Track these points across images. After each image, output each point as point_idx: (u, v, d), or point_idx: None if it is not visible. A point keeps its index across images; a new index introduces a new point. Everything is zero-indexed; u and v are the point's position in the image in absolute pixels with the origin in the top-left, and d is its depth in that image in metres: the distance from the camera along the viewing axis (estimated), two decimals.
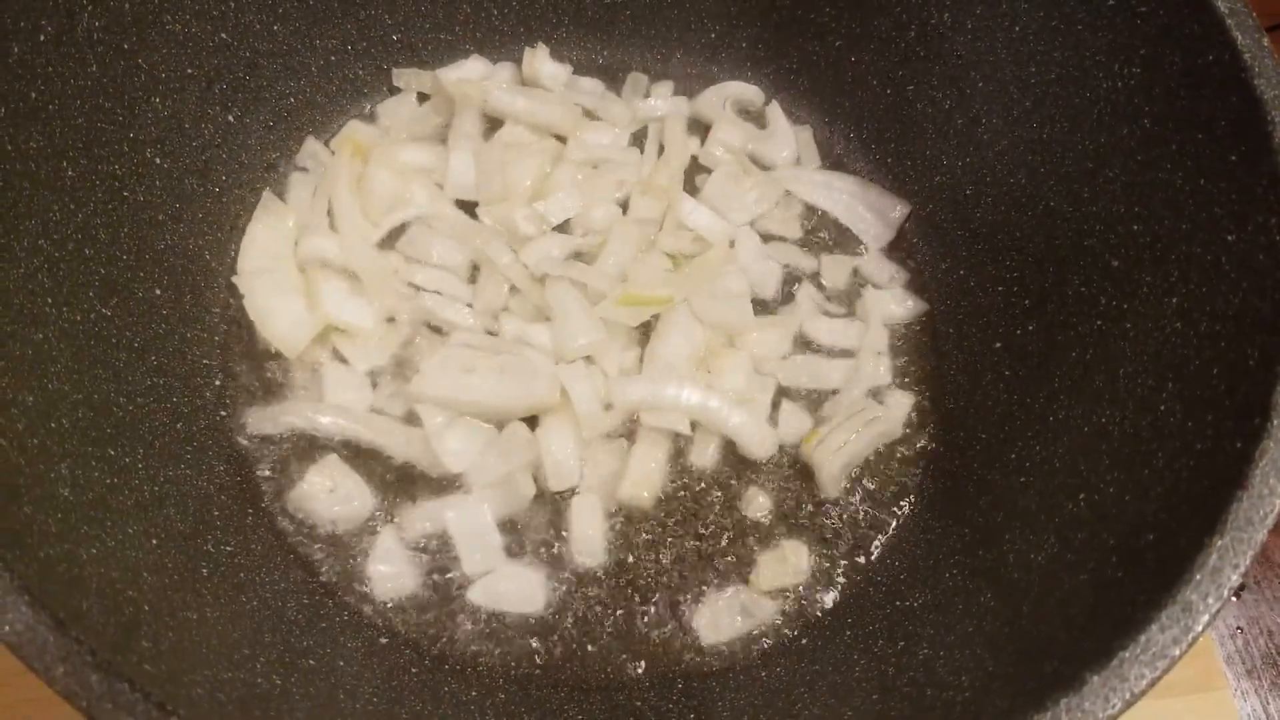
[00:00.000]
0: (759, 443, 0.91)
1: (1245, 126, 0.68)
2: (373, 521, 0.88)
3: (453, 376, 0.89)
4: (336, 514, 0.87)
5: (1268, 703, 0.96)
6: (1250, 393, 0.62)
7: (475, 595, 0.85)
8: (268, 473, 0.88)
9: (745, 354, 0.95)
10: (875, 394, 0.97)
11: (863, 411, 0.93)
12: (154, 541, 0.70)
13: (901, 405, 0.97)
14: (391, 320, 0.95)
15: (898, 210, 1.05)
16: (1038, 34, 0.87)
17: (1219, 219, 0.70)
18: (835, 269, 1.03)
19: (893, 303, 1.01)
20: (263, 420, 0.90)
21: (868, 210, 1.05)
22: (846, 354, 0.99)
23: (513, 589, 0.86)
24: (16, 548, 0.55)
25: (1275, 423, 0.59)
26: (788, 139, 1.09)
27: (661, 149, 1.06)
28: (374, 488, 0.89)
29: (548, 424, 0.89)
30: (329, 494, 0.88)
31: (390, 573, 0.85)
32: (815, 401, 0.96)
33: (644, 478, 0.89)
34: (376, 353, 0.93)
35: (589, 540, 0.87)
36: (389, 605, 0.84)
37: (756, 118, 1.11)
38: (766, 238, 1.03)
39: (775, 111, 1.10)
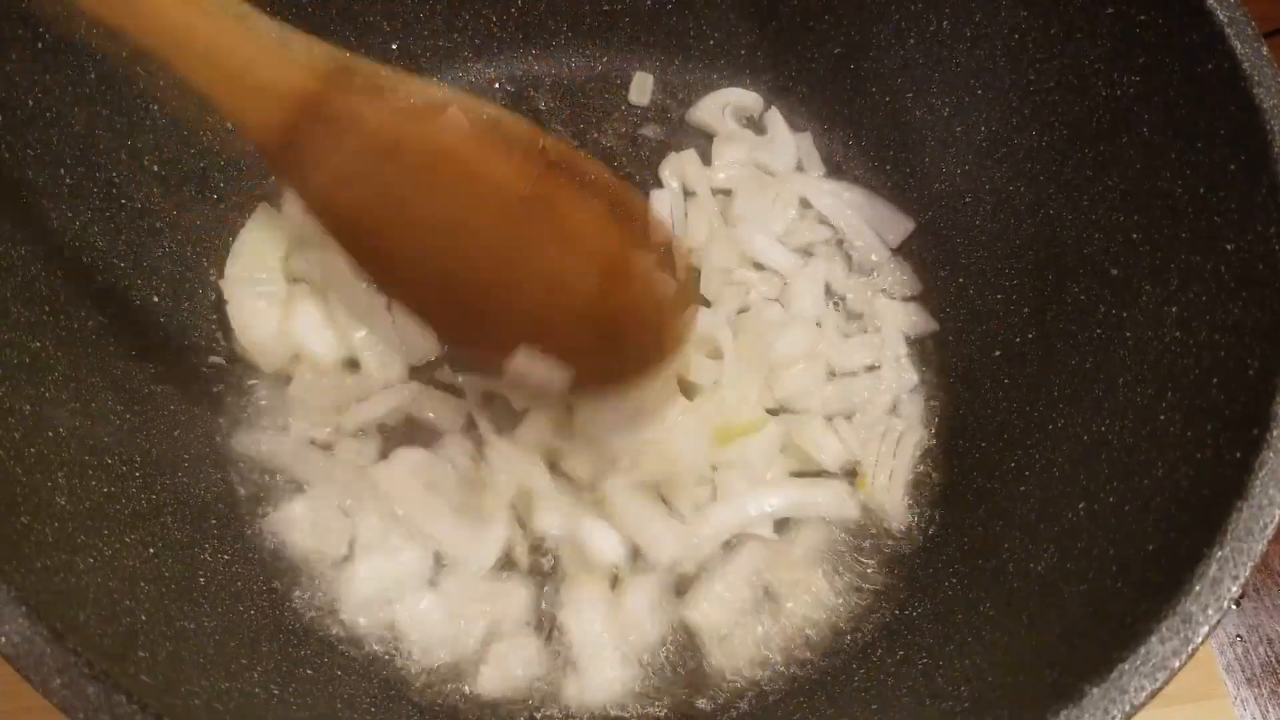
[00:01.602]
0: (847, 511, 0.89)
1: (1245, 135, 0.68)
2: (349, 556, 0.84)
3: (412, 487, 0.84)
4: (310, 547, 0.84)
5: (1267, 711, 0.96)
6: (1250, 402, 0.62)
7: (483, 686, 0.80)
8: (253, 489, 0.87)
9: (818, 420, 0.92)
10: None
11: (886, 434, 0.92)
12: (151, 551, 0.70)
13: (913, 406, 0.96)
14: (354, 365, 0.92)
15: (902, 227, 1.04)
16: (1037, 42, 0.87)
17: (1218, 228, 0.70)
18: (847, 281, 1.02)
19: (904, 313, 1.00)
20: (244, 440, 0.88)
21: (869, 223, 1.04)
22: (869, 369, 0.97)
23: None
24: (13, 558, 0.55)
25: (1275, 433, 0.59)
26: (788, 145, 1.08)
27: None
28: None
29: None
30: (309, 526, 0.84)
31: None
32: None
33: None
34: (331, 391, 0.90)
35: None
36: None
37: (755, 124, 1.11)
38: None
39: (775, 117, 1.09)
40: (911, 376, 0.96)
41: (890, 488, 0.90)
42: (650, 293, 0.75)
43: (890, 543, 0.88)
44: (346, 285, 0.92)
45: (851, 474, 0.91)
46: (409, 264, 0.71)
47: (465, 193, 0.69)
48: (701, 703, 0.81)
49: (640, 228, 0.75)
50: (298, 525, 0.85)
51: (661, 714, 0.80)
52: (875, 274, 1.02)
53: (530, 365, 0.72)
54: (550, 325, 0.73)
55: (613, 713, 0.80)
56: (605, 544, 0.82)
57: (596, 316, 0.73)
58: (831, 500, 0.88)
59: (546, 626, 0.83)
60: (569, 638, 0.82)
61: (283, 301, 0.93)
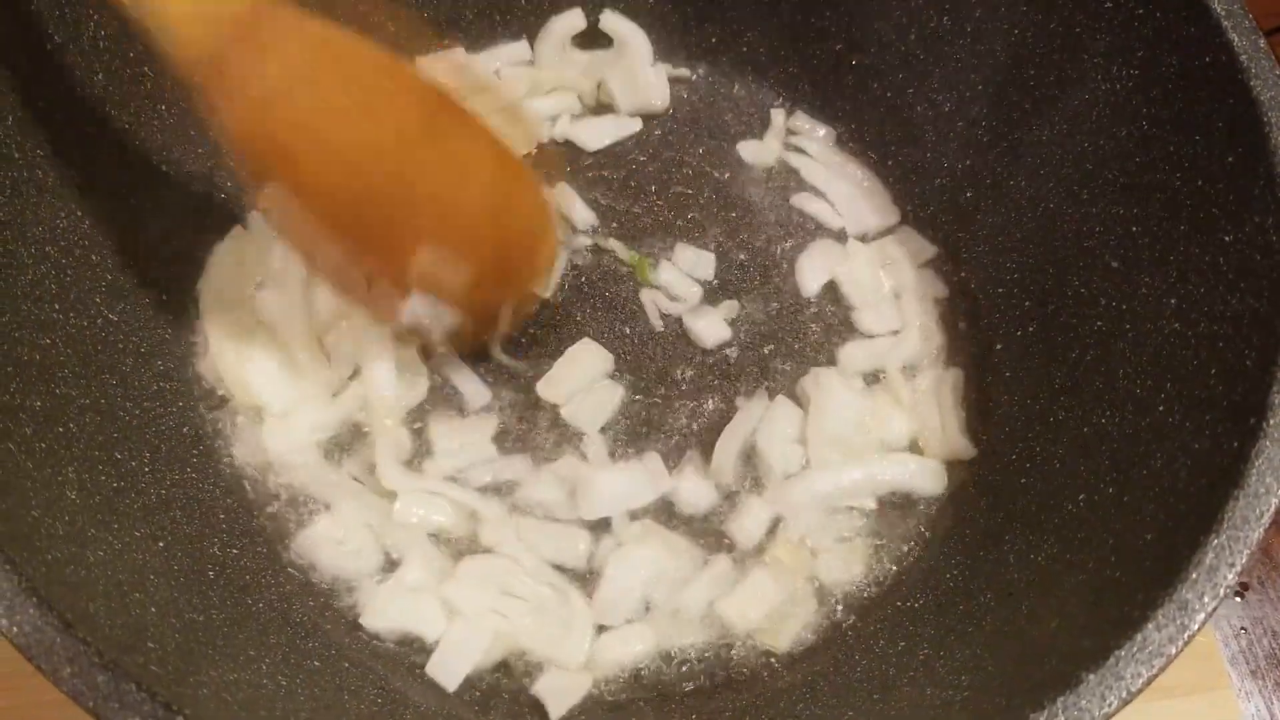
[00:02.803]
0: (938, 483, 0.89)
1: (1242, 128, 0.69)
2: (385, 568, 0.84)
3: (490, 593, 0.82)
4: (340, 568, 0.83)
5: (1271, 703, 0.96)
6: (1247, 393, 0.62)
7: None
8: (259, 484, 0.87)
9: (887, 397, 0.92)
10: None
11: (920, 391, 0.93)
12: (160, 544, 0.71)
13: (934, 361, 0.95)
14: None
15: (886, 218, 1.04)
16: (1036, 37, 0.87)
17: (1217, 220, 0.71)
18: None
19: (923, 277, 1.00)
20: (247, 439, 0.88)
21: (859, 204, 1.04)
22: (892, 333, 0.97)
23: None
24: (24, 550, 0.56)
25: (1272, 423, 0.59)
26: None
27: None
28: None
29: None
30: (337, 545, 0.83)
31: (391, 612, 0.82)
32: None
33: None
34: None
35: None
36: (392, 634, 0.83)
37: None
38: None
39: None
40: (936, 339, 0.96)
41: (946, 432, 0.90)
42: (528, 222, 0.86)
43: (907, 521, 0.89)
44: (302, 331, 0.89)
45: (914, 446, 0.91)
46: (324, 191, 0.75)
47: (373, 118, 0.74)
48: (708, 684, 0.82)
49: (517, 169, 0.84)
50: (312, 528, 0.85)
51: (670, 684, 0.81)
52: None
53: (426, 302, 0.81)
54: (445, 243, 0.80)
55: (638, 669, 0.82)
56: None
57: (484, 238, 0.82)
58: (923, 472, 0.88)
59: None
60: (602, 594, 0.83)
61: (252, 332, 0.89)
